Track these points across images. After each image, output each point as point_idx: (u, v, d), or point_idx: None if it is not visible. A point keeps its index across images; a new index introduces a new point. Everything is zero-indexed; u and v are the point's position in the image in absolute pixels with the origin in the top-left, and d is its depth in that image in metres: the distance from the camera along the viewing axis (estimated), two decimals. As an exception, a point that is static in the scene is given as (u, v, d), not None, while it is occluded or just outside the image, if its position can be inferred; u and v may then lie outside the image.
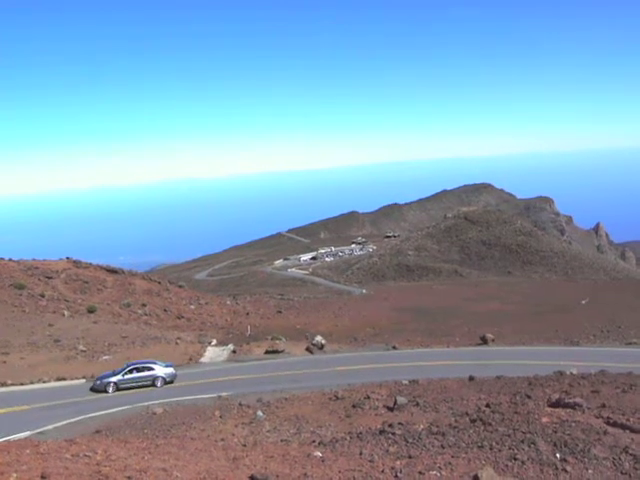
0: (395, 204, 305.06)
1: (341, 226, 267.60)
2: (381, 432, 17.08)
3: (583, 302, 75.73)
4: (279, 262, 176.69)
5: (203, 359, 45.61)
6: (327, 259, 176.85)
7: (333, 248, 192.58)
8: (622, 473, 12.25)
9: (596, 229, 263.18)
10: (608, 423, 15.75)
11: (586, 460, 12.75)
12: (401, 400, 25.62)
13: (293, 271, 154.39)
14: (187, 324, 65.45)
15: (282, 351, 47.02)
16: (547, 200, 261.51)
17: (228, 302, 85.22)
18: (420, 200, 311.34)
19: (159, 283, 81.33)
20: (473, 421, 16.91)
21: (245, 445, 17.83)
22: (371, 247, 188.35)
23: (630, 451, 13.16)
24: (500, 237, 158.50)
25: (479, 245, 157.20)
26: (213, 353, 47.44)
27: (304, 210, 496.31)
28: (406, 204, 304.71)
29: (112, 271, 78.55)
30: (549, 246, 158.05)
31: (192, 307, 74.66)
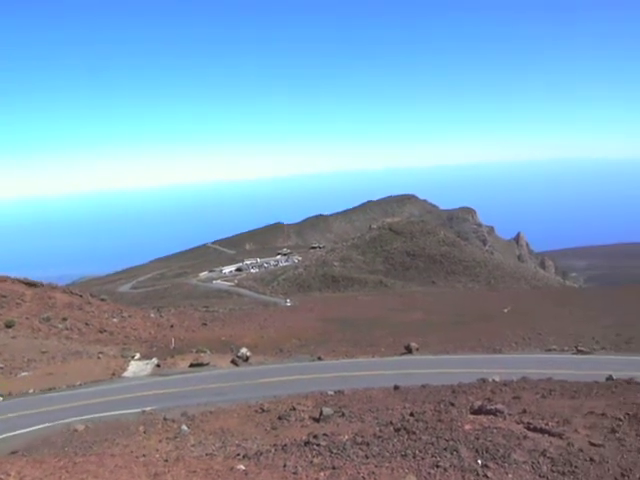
0: (320, 215, 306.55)
1: (267, 237, 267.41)
2: (306, 443, 16.97)
3: (505, 310, 77.25)
4: (204, 274, 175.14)
5: (126, 373, 44.62)
6: (252, 270, 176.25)
7: (259, 259, 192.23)
8: (540, 476, 12.60)
9: (517, 239, 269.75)
10: (528, 428, 16.09)
11: (506, 465, 12.99)
12: (327, 411, 25.56)
13: (218, 283, 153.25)
14: (110, 338, 64.06)
15: (207, 364, 46.46)
16: (469, 211, 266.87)
17: (152, 315, 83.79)
18: (345, 211, 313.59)
19: (80, 296, 79.30)
20: (397, 430, 16.97)
21: (167, 460, 17.43)
22: (296, 258, 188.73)
23: (548, 454, 13.55)
24: (424, 247, 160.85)
25: (403, 256, 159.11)
26: (136, 367, 46.48)
27: (230, 221, 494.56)
28: (331, 215, 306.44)
29: (31, 284, 76.20)
30: (472, 256, 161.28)
31: (115, 320, 73.07)
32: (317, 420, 25.40)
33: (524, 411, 18.74)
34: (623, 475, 12.89)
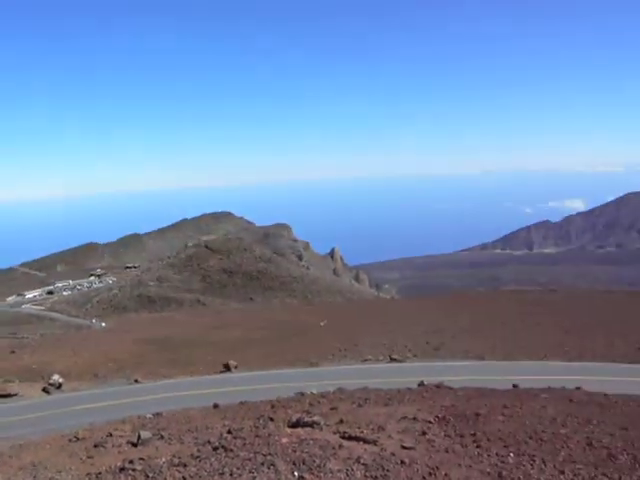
0: (135, 234, 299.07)
1: (79, 258, 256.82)
2: (121, 469, 16.42)
3: (322, 324, 78.73)
4: (12, 298, 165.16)
5: None
6: (65, 293, 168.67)
7: (71, 281, 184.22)
8: (353, 482, 12.92)
9: (332, 254, 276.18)
10: (344, 437, 16.46)
11: (322, 474, 13.19)
12: (145, 434, 24.82)
13: (28, 307, 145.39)
14: None
15: (15, 394, 43.82)
16: (285, 227, 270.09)
17: (-49, 346, 78.29)
18: (160, 229, 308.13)
19: None
20: (215, 449, 16.79)
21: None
22: (111, 279, 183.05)
23: (362, 461, 13.95)
24: (241, 265, 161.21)
25: (220, 273, 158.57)
26: None
27: (37, 243, 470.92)
28: (146, 234, 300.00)
29: None
30: (288, 272, 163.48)
31: None
32: (135, 445, 24.60)
33: (341, 421, 19.13)
34: (430, 474, 13.53)
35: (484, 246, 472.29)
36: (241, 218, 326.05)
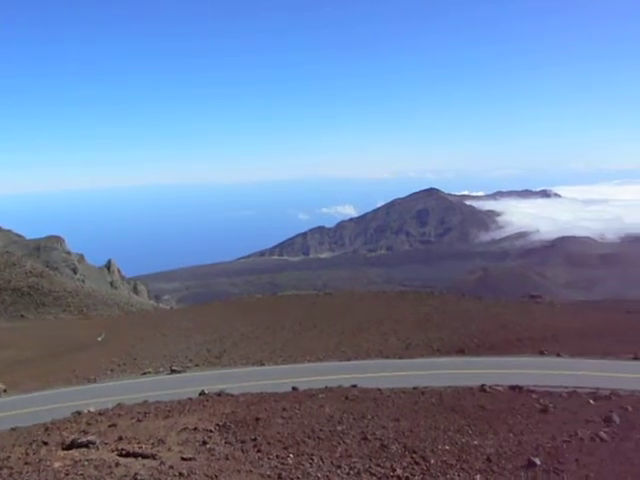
0: None
1: None
2: None
3: (99, 339, 76.10)
4: None
5: None
6: None
7: None
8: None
9: (108, 266, 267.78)
10: (121, 454, 16.03)
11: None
12: None
13: None
14: None
15: None
16: (58, 239, 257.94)
17: None
18: None
19: None
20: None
21: None
22: None
23: (139, 477, 13.70)
24: (10, 280, 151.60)
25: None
26: None
27: None
28: None
29: None
30: (62, 286, 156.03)
31: None
32: None
33: (120, 438, 18.59)
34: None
35: (262, 253, 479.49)
36: (9, 231, 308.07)
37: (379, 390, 26.79)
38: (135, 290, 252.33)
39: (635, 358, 36.92)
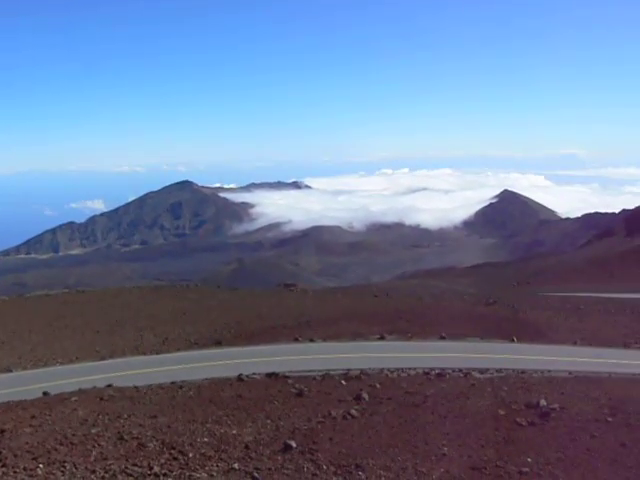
0: None
1: None
2: None
3: None
4: None
5: None
6: None
7: None
8: None
9: None
10: None
11: None
12: None
13: None
14: None
15: None
16: None
17: None
18: None
19: None
20: None
21: None
22: None
23: None
24: None
25: None
26: None
27: None
28: None
29: None
30: None
31: None
32: None
33: None
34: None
35: (7, 252, 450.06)
36: None
37: (136, 388, 26.24)
38: None
39: (381, 338, 39.32)
